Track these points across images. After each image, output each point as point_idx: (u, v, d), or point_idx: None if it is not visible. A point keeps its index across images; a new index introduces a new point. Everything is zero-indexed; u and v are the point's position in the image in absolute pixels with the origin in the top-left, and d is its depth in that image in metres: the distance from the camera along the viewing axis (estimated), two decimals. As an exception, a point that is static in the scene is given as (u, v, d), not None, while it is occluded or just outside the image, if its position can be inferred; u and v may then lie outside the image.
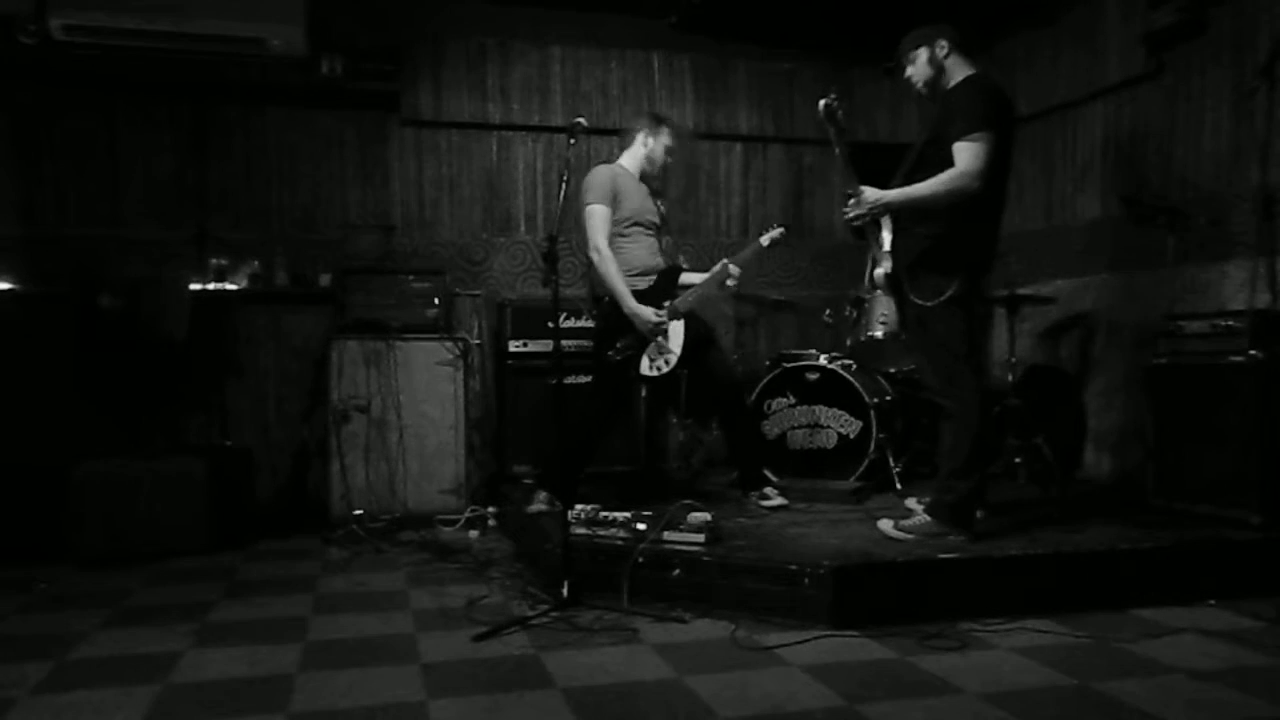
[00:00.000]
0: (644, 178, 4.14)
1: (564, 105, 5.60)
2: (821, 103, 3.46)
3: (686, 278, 4.11)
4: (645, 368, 3.98)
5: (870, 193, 3.40)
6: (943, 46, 3.47)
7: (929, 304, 3.39)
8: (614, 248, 3.98)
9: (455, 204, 5.56)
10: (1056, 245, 5.26)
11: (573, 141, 3.62)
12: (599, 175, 4.04)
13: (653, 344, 3.96)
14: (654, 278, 4.04)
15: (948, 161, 3.27)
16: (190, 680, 2.62)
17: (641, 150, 4.12)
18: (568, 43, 5.64)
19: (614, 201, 3.98)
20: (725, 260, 4.02)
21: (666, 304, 3.97)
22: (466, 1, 5.49)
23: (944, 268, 3.37)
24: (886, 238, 3.47)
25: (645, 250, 4.06)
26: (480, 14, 5.51)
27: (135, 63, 4.84)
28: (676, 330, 3.95)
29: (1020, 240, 5.37)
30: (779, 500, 4.05)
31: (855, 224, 3.50)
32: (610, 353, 3.99)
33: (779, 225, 4.15)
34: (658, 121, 4.15)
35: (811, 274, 6.04)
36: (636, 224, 4.05)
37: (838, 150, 3.46)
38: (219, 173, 5.20)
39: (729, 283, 4.02)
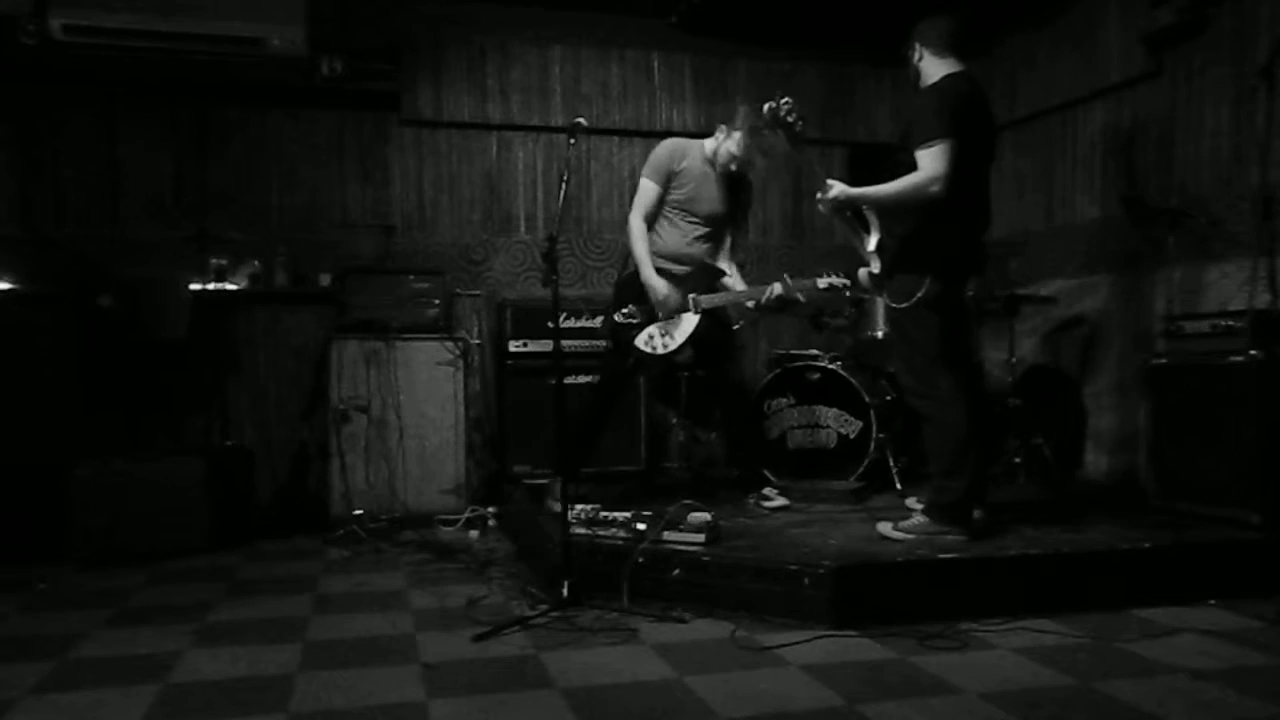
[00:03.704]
0: (720, 166, 3.99)
1: (564, 105, 5.60)
2: (766, 106, 3.42)
3: (730, 283, 4.06)
4: (642, 341, 3.93)
5: (837, 188, 3.42)
6: (916, 51, 3.48)
7: (900, 306, 3.41)
8: (653, 227, 3.96)
9: (455, 204, 5.56)
10: (1056, 245, 5.26)
11: (573, 141, 3.61)
12: (659, 152, 3.98)
13: (659, 323, 3.92)
14: (687, 267, 3.98)
15: (914, 166, 3.29)
16: (190, 680, 2.62)
17: (713, 144, 4.01)
18: (568, 43, 5.64)
19: (669, 181, 3.92)
20: (776, 284, 3.91)
21: (691, 296, 3.93)
22: (466, 1, 5.49)
23: (913, 270, 3.39)
24: (873, 239, 3.48)
25: (680, 236, 3.98)
26: (480, 14, 5.51)
27: (135, 63, 4.83)
28: (688, 322, 3.91)
29: (1020, 240, 5.38)
30: (780, 500, 4.05)
31: (827, 214, 3.50)
32: (617, 315, 3.97)
33: (844, 275, 3.90)
34: (744, 122, 3.89)
35: (811, 274, 6.02)
36: (684, 210, 3.97)
37: (795, 153, 3.49)
38: (219, 173, 5.20)
39: (762, 301, 3.92)
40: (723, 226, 4.09)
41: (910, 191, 3.29)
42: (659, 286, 3.88)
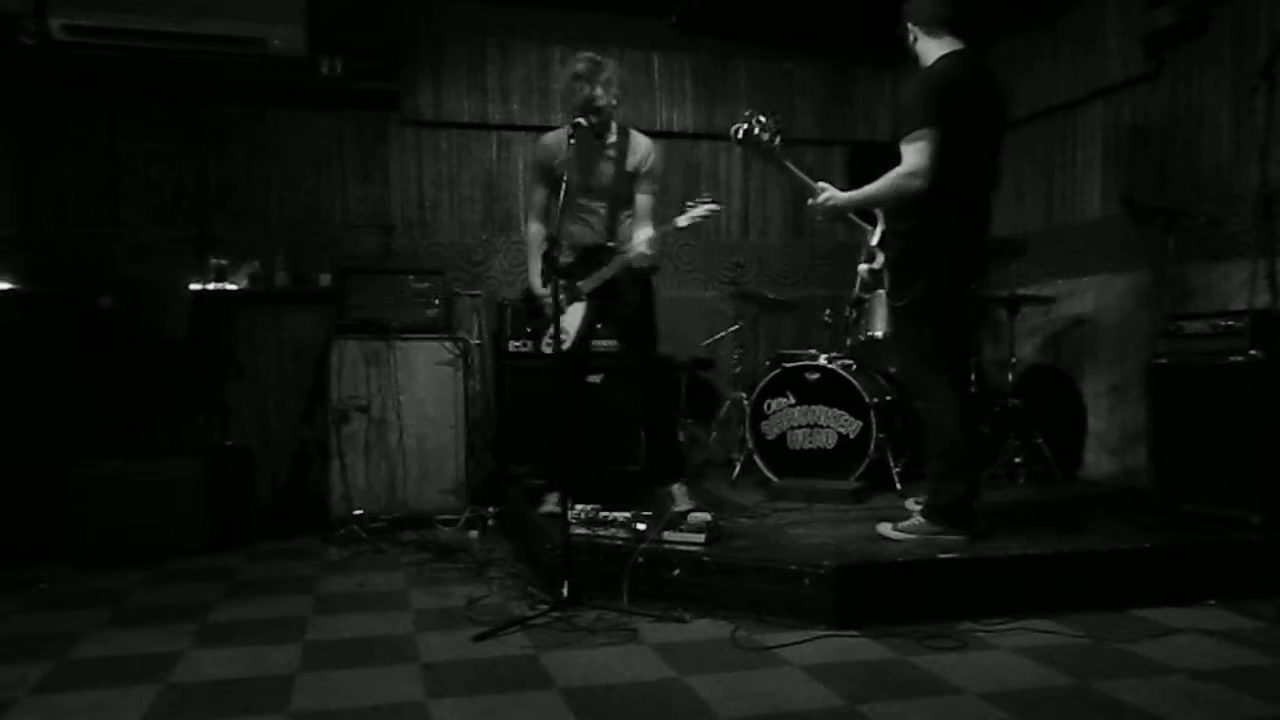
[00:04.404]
0: (589, 136, 3.73)
1: (564, 105, 5.59)
2: (734, 129, 3.26)
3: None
4: (545, 344, 3.85)
5: (824, 195, 3.37)
6: (910, 31, 3.38)
7: (898, 304, 3.39)
8: (561, 222, 3.86)
9: (455, 204, 5.57)
10: (1056, 245, 5.26)
11: (572, 141, 3.61)
12: (534, 153, 3.86)
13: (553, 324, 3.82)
14: (574, 255, 3.87)
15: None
16: (190, 680, 2.62)
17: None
18: (568, 43, 5.64)
19: (548, 175, 3.71)
20: (638, 242, 3.72)
21: (577, 284, 3.85)
22: (466, 1, 5.49)
23: (911, 267, 3.34)
24: (876, 234, 3.45)
25: (578, 224, 3.89)
26: (480, 14, 5.51)
27: (135, 63, 4.84)
28: (575, 310, 3.83)
29: (1020, 240, 5.38)
30: (703, 515, 3.50)
31: (821, 218, 3.46)
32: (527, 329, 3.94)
33: (707, 201, 3.58)
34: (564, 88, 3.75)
35: (811, 274, 6.04)
36: (572, 195, 3.80)
37: (776, 168, 3.38)
38: (219, 173, 5.21)
39: (634, 260, 3.71)
40: (617, 198, 3.85)
41: (891, 188, 3.23)
42: (538, 290, 3.83)
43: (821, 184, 3.41)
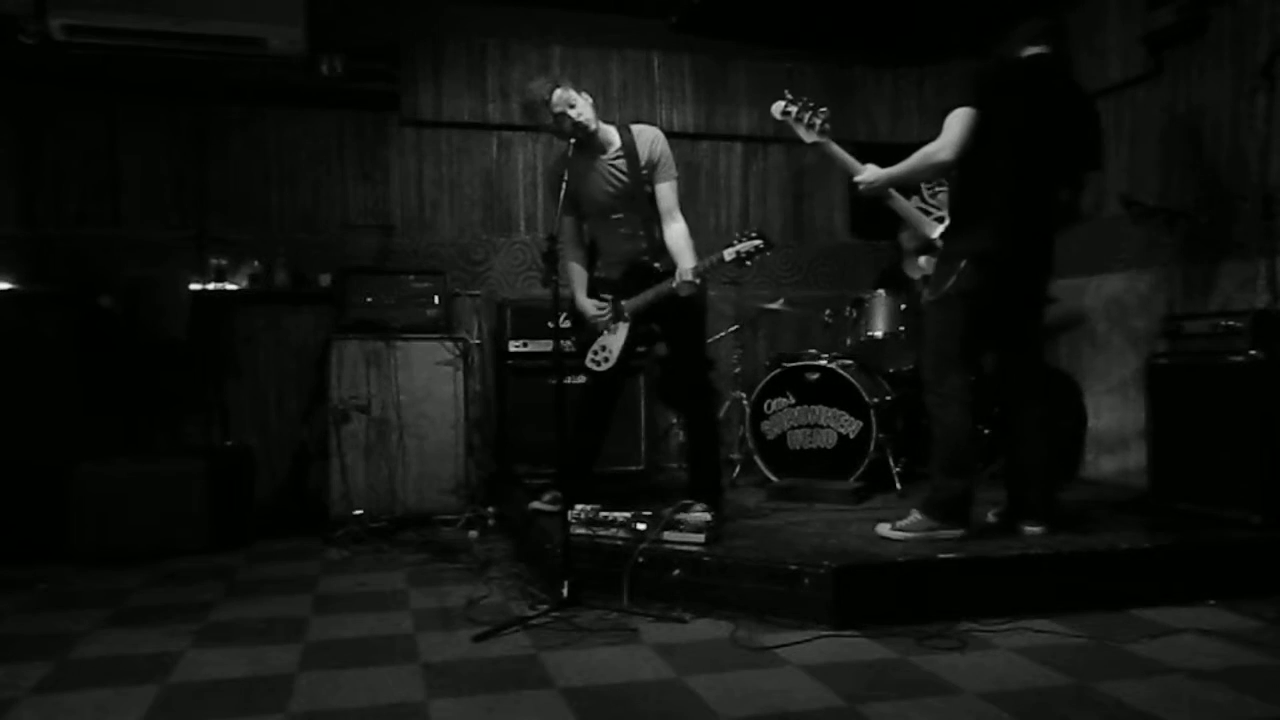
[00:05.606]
0: (589, 150, 3.73)
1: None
2: (777, 108, 3.40)
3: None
4: (589, 360, 3.88)
5: (867, 173, 3.46)
6: (1011, 44, 3.50)
7: (930, 298, 3.41)
8: (592, 238, 3.92)
9: (455, 204, 5.56)
10: (1056, 245, 5.24)
11: (573, 141, 3.61)
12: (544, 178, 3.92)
13: (600, 337, 3.85)
14: (622, 268, 3.85)
15: (970, 173, 3.33)
16: (190, 680, 2.62)
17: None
18: (568, 43, 5.64)
19: (563, 192, 3.54)
20: (683, 270, 3.61)
21: (609, 298, 3.85)
22: (466, 1, 5.49)
23: (944, 262, 3.37)
24: (939, 229, 3.49)
25: (610, 236, 3.86)
26: (480, 14, 5.51)
27: (135, 63, 4.84)
28: (621, 331, 3.82)
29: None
30: (702, 515, 3.44)
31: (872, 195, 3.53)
32: (571, 343, 3.98)
33: (754, 237, 3.56)
34: (539, 109, 3.68)
35: (811, 274, 6.04)
36: (592, 210, 3.84)
37: (822, 147, 3.48)
38: (219, 173, 5.21)
39: (680, 290, 3.63)
40: (632, 206, 3.75)
41: (921, 160, 3.31)
42: (587, 308, 3.86)
43: (866, 165, 3.49)
